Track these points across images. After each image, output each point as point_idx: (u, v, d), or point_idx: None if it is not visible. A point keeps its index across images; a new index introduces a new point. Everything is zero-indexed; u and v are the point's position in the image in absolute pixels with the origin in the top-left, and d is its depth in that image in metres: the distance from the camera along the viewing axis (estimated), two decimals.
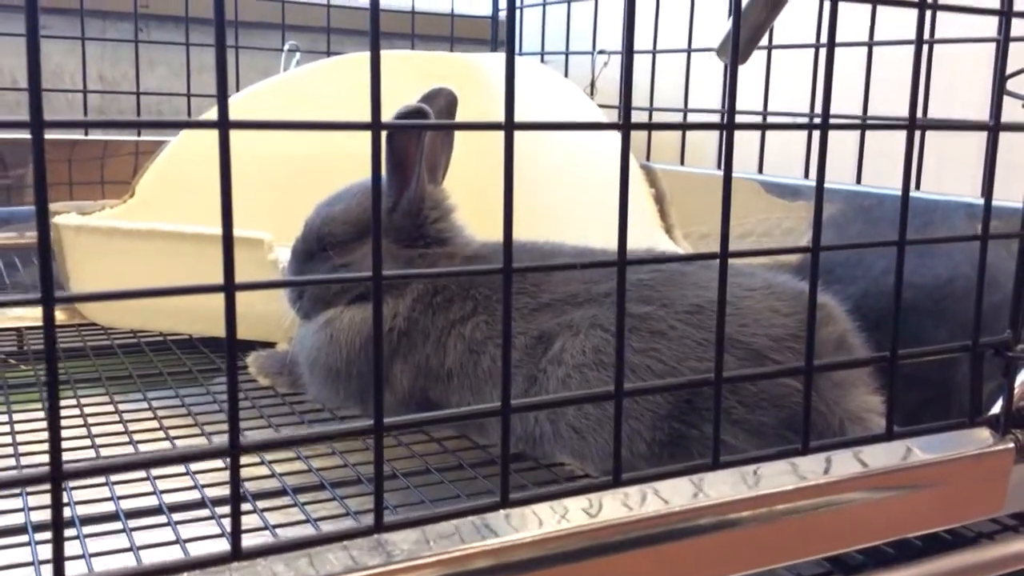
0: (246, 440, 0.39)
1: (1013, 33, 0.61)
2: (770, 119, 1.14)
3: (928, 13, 0.57)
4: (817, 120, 0.51)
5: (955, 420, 0.64)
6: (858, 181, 1.01)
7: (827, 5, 0.55)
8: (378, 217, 0.42)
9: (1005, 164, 0.64)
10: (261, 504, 0.71)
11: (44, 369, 0.99)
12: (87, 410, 0.88)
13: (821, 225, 0.54)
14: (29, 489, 0.69)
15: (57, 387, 0.34)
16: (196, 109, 1.61)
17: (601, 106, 1.29)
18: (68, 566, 0.58)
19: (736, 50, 0.48)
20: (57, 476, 0.35)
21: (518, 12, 1.71)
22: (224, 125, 0.36)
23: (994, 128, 0.58)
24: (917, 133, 0.60)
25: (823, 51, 1.14)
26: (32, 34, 0.32)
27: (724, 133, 0.47)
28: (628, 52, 0.43)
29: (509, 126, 0.42)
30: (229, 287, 0.37)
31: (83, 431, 0.83)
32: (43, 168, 0.34)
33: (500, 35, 1.84)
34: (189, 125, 0.36)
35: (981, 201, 0.63)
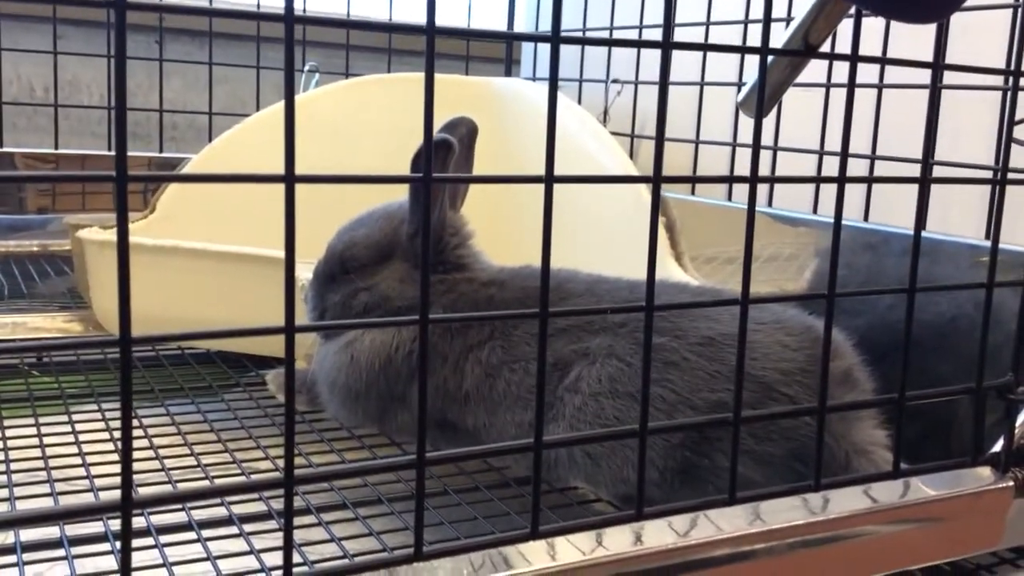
0: (299, 472, 0.42)
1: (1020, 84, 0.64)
2: (781, 154, 1.17)
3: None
4: (829, 161, 0.54)
5: (958, 459, 0.66)
6: (865, 218, 1.04)
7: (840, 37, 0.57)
8: (426, 261, 0.45)
9: (1009, 206, 0.67)
10: None
11: (69, 382, 1.01)
12: (112, 424, 0.90)
13: (836, 271, 0.56)
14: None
15: (131, 431, 0.37)
16: (216, 125, 1.63)
17: (613, 133, 1.32)
18: None
19: (761, 108, 0.51)
20: (128, 506, 0.37)
21: (547, 55, 1.74)
22: (290, 179, 0.38)
23: (1001, 181, 0.61)
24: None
25: (834, 90, 1.17)
26: (120, 108, 0.35)
27: (749, 187, 0.49)
28: (661, 116, 0.46)
29: (549, 179, 0.45)
30: (290, 329, 0.40)
31: (110, 446, 0.85)
32: (126, 217, 0.36)
33: (514, 55, 1.87)
34: (253, 179, 0.39)
35: (985, 243, 0.66)
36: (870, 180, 0.73)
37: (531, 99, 1.32)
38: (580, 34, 1.60)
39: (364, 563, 0.45)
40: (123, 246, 0.37)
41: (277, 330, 0.40)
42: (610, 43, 0.50)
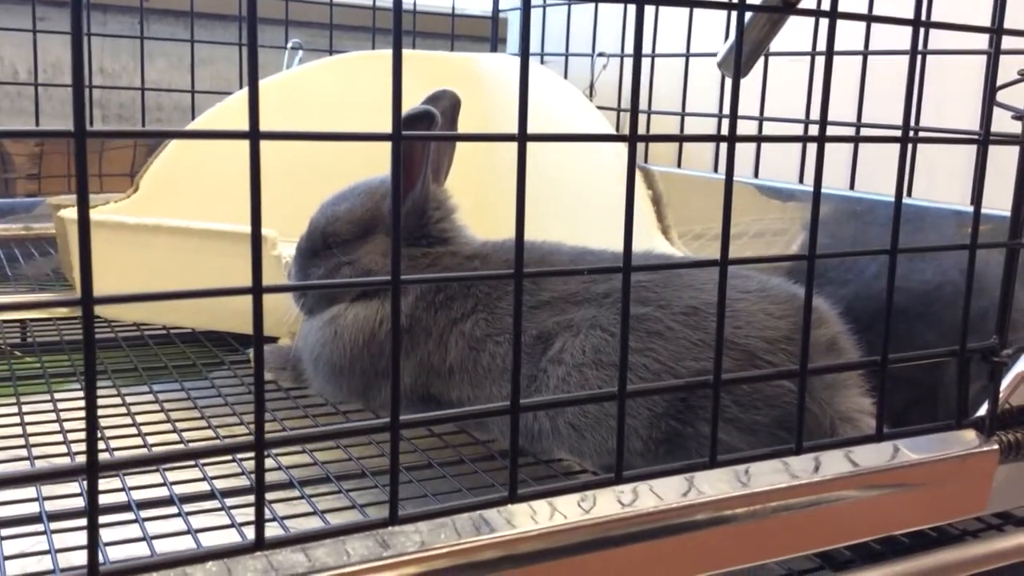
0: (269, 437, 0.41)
1: (1002, 46, 0.63)
2: (767, 125, 1.16)
3: (921, 28, 0.59)
4: (814, 132, 0.53)
5: (942, 422, 0.66)
6: (851, 187, 1.03)
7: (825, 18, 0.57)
8: (398, 222, 0.44)
9: (993, 171, 0.66)
10: (268, 496, 0.73)
11: (52, 362, 1.01)
12: (97, 402, 0.89)
13: (817, 234, 0.56)
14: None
15: (95, 395, 0.36)
16: (199, 103, 1.62)
17: (600, 108, 1.31)
18: (84, 555, 0.61)
19: (739, 65, 0.50)
20: (93, 468, 0.36)
21: (519, 14, 1.73)
22: (255, 136, 0.38)
23: (984, 142, 0.60)
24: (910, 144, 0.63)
25: (819, 58, 1.17)
26: (77, 55, 0.34)
27: (728, 146, 0.49)
28: (636, 72, 0.45)
29: (522, 137, 0.44)
30: (257, 289, 0.39)
31: None
32: (85, 173, 0.36)
33: (500, 34, 1.85)
34: (222, 135, 0.38)
35: (970, 208, 0.66)
36: (855, 140, 0.73)
37: (516, 74, 1.31)
38: (566, 16, 1.58)
39: (340, 528, 0.45)
40: (83, 204, 0.36)
41: (244, 290, 0.39)
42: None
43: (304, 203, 0.95)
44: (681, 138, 0.52)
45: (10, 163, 1.59)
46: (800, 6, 0.60)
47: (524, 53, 0.45)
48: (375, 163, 0.93)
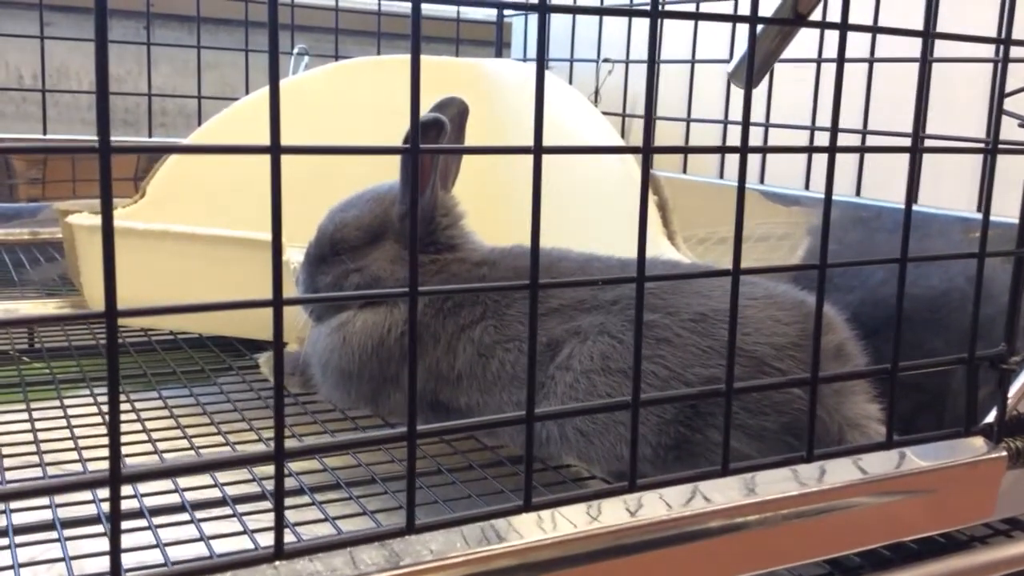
0: (289, 446, 0.41)
1: (1010, 55, 0.63)
2: (773, 131, 1.16)
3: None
4: (821, 138, 0.54)
5: (951, 429, 0.66)
6: (857, 193, 1.04)
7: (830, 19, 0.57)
8: (415, 232, 0.44)
9: (1000, 178, 0.67)
10: None
11: (61, 367, 1.01)
12: (105, 408, 0.90)
13: (828, 243, 0.56)
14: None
15: (118, 407, 0.37)
16: (206, 110, 1.63)
17: (605, 113, 1.31)
18: (98, 562, 0.61)
19: (751, 78, 0.51)
20: (116, 479, 0.37)
21: (523, 19, 1.73)
22: (276, 150, 0.38)
23: (992, 151, 0.61)
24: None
25: (824, 65, 1.17)
26: (102, 74, 0.34)
27: (740, 158, 0.49)
28: (649, 84, 0.45)
29: (538, 150, 0.45)
30: (278, 302, 0.39)
31: (103, 430, 0.85)
32: (109, 188, 0.36)
33: (505, 38, 1.86)
34: (239, 150, 0.38)
35: (977, 215, 0.66)
36: (861, 150, 0.73)
37: (521, 79, 1.31)
38: (570, 22, 1.59)
39: (356, 537, 0.45)
40: (107, 219, 0.36)
41: (264, 303, 0.39)
42: (600, 11, 0.50)
43: (311, 208, 0.95)
44: (693, 149, 0.52)
45: (12, 168, 1.60)
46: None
47: (540, 64, 0.45)
48: (382, 169, 0.93)
